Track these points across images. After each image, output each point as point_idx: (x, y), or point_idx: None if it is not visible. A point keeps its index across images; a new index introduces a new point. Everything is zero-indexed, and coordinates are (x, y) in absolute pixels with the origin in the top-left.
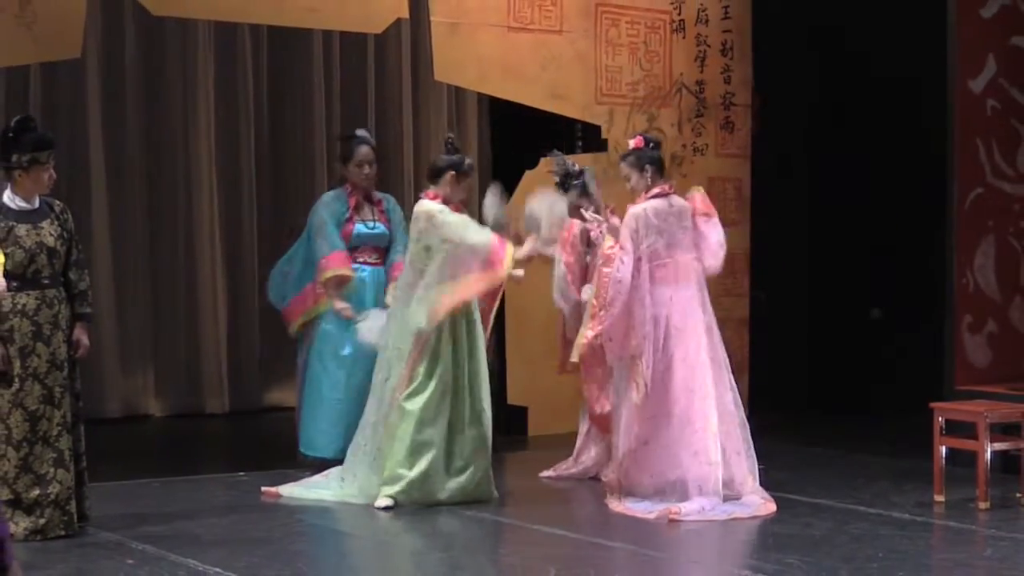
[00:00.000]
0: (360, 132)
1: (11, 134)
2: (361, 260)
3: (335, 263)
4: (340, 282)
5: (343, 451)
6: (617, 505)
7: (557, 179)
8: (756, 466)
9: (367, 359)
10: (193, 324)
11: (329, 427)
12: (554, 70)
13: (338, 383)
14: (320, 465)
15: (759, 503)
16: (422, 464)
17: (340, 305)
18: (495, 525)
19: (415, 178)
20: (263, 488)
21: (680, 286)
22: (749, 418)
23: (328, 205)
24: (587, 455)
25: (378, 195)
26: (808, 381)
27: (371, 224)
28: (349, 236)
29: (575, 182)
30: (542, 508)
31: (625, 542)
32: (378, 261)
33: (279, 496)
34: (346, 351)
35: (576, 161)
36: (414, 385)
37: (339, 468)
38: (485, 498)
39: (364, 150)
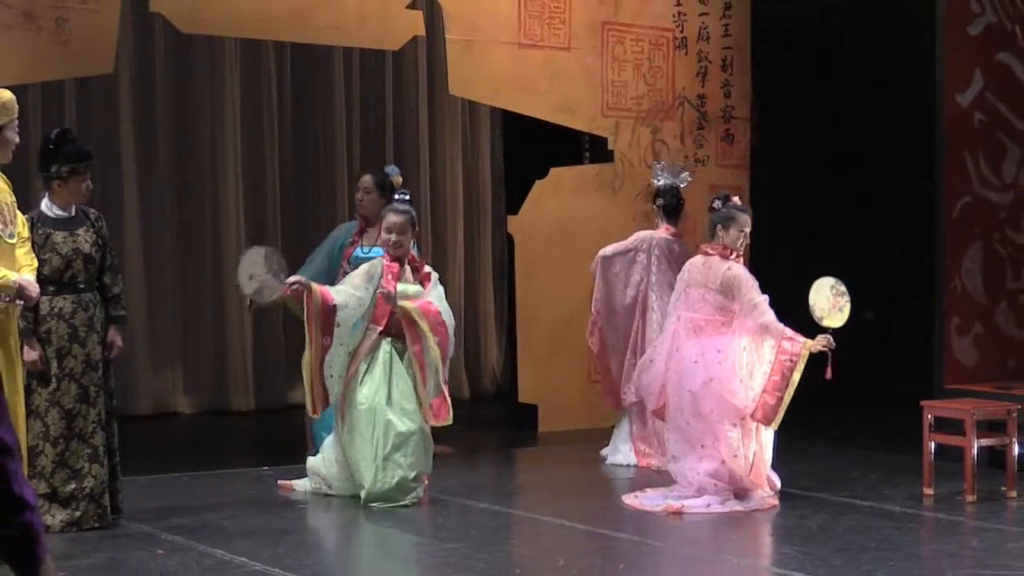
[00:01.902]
0: (387, 168)
1: (51, 146)
2: None
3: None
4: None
5: None
6: (631, 499)
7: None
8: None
9: None
10: (220, 326)
11: None
12: (562, 85)
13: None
14: None
15: (761, 497)
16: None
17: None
18: (507, 517)
19: (431, 188)
20: (279, 482)
21: (687, 342)
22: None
23: (335, 233)
24: None
25: None
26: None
27: (366, 249)
28: (349, 258)
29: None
30: (551, 501)
31: (630, 533)
32: None
33: (293, 490)
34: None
35: (670, 178)
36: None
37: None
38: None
39: (363, 179)
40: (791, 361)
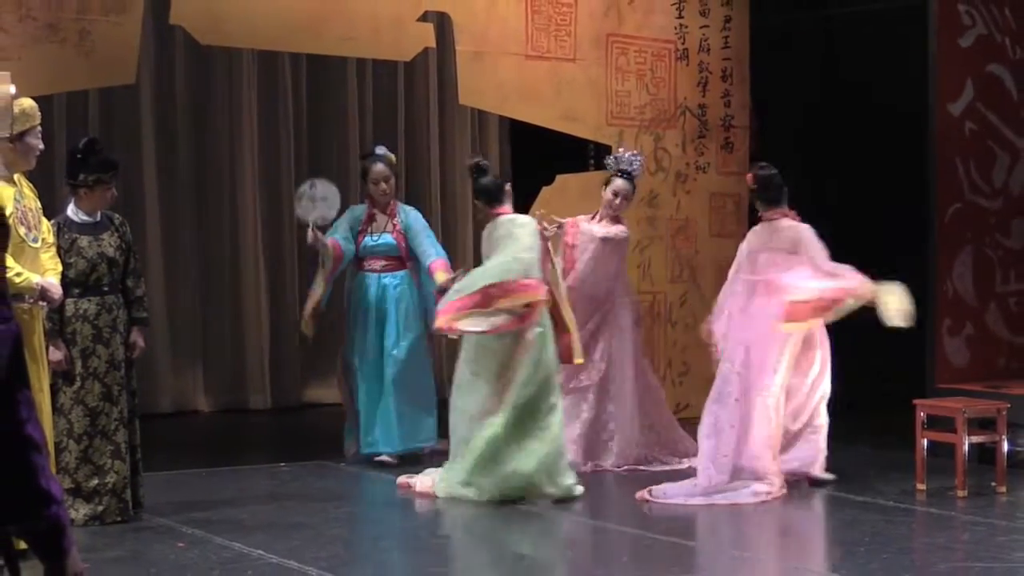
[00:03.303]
0: (378, 150)
1: (79, 155)
2: (367, 268)
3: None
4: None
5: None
6: (644, 494)
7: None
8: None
9: (372, 365)
10: (238, 327)
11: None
12: (568, 95)
13: (359, 390)
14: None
15: (751, 491)
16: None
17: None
18: (516, 511)
19: (441, 192)
20: (398, 481)
21: (761, 299)
22: None
23: (348, 214)
24: None
25: (399, 207)
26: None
27: (377, 236)
28: (359, 247)
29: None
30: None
31: (634, 527)
32: (385, 268)
33: (410, 487)
34: (355, 360)
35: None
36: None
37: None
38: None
39: (378, 168)
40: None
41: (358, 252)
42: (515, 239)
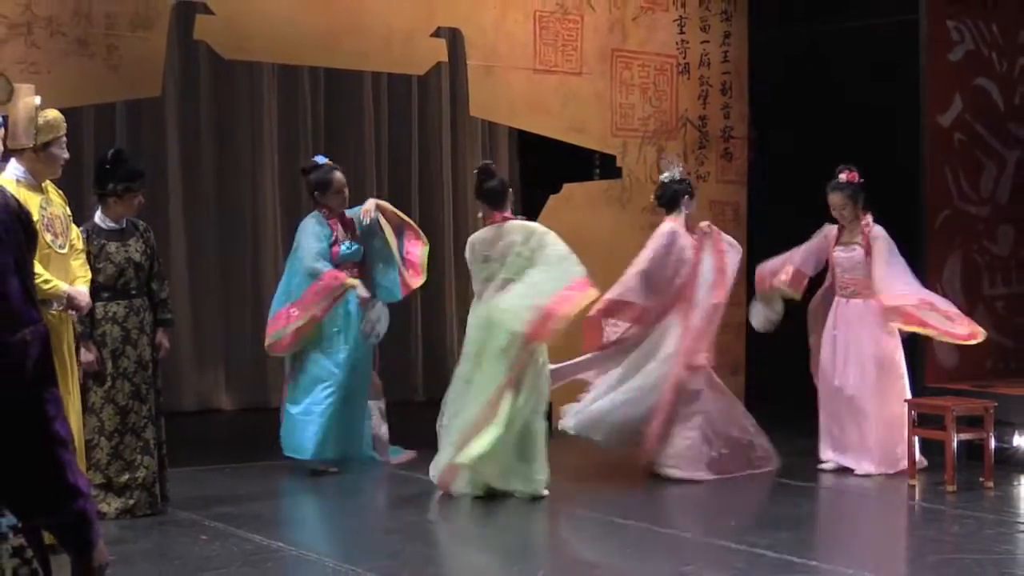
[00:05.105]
0: (321, 160)
1: (107, 165)
2: None
3: (340, 278)
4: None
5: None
6: None
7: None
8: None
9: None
10: (259, 328)
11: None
12: (575, 107)
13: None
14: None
15: None
16: None
17: (362, 294)
18: (525, 506)
19: (453, 200)
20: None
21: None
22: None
23: (315, 232)
24: None
25: (348, 213)
26: (800, 379)
27: (349, 244)
28: (336, 257)
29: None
30: (565, 490)
31: (637, 520)
32: (352, 275)
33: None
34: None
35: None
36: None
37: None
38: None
39: (339, 176)
40: None
41: (335, 262)
42: (553, 244)
